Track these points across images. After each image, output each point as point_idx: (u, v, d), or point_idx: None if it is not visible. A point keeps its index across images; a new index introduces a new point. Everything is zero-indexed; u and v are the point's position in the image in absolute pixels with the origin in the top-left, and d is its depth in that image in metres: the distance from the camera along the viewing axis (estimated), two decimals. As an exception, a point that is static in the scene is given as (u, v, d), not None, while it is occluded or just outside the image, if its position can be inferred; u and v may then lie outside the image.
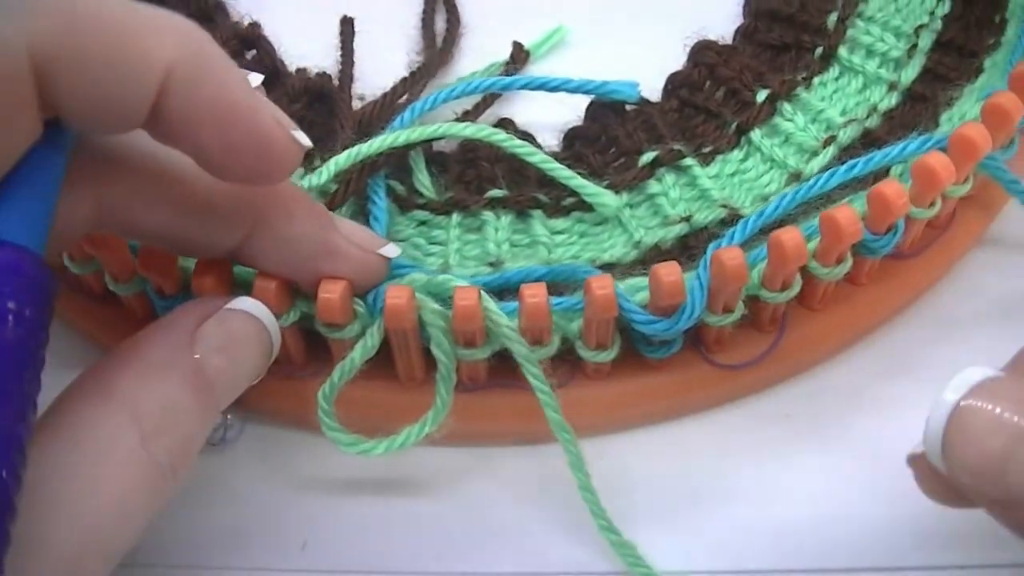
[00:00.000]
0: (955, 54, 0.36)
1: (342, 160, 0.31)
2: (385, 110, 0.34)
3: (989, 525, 0.22)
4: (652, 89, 0.37)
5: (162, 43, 0.20)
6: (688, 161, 0.34)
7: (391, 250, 0.28)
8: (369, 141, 0.31)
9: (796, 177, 0.34)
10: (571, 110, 0.36)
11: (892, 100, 0.35)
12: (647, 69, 0.37)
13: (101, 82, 0.20)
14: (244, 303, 0.26)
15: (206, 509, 0.30)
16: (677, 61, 0.37)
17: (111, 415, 0.22)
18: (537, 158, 0.32)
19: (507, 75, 0.36)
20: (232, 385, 0.25)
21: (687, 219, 0.33)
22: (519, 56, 0.37)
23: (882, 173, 0.31)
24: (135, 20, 0.20)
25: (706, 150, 0.35)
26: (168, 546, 0.29)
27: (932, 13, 0.37)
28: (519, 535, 0.29)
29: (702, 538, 0.29)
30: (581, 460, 0.28)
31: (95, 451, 0.21)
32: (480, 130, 0.32)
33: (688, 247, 0.32)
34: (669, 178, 0.34)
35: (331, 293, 0.27)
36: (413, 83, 0.34)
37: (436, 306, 0.27)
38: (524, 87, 0.34)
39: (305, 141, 0.24)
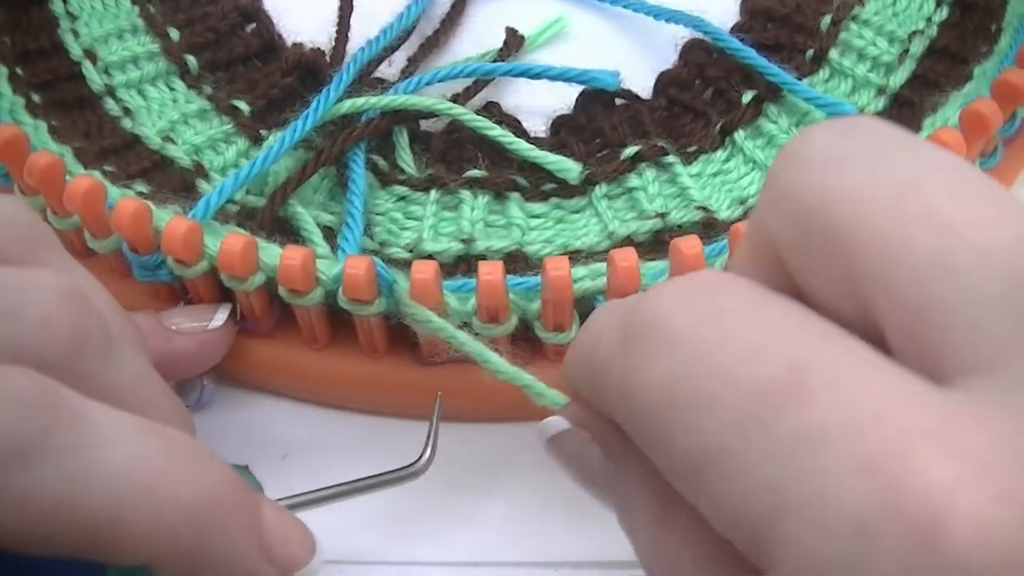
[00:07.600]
0: (947, 61, 0.35)
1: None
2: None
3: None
4: (649, 85, 0.37)
5: None
6: (670, 159, 0.34)
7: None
8: (351, 100, 0.32)
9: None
10: (561, 99, 0.36)
11: (879, 104, 0.35)
12: (644, 64, 0.37)
13: None
14: None
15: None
16: (674, 57, 0.38)
17: None
18: (496, 132, 0.32)
19: (499, 61, 0.37)
20: None
21: (663, 216, 0.33)
22: (512, 42, 0.37)
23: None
24: None
25: (690, 149, 0.35)
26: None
27: (929, 19, 0.36)
28: (516, 524, 0.29)
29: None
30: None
31: None
32: (438, 103, 0.32)
33: (662, 243, 0.32)
34: (649, 173, 0.34)
35: (293, 260, 0.27)
36: (407, 68, 0.35)
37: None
38: (506, 74, 0.34)
39: None
